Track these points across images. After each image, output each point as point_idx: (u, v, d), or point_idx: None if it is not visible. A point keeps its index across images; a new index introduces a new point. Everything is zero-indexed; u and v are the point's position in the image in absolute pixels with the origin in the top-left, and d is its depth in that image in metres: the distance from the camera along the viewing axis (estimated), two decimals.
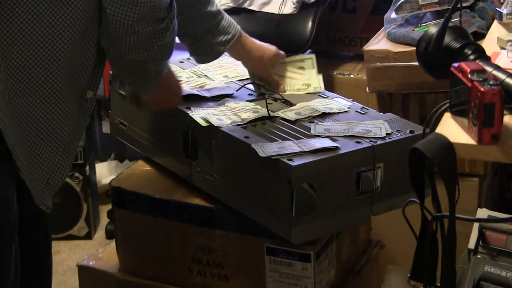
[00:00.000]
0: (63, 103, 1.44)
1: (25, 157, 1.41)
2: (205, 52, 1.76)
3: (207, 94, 1.79)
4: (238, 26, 1.77)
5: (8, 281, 1.46)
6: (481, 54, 1.30)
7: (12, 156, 1.37)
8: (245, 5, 2.28)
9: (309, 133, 1.60)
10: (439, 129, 1.18)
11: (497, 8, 1.71)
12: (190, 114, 1.67)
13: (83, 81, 1.47)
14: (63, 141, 1.47)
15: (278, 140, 1.56)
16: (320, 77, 1.88)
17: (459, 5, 1.48)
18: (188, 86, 1.82)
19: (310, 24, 2.22)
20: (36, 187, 1.46)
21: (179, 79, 1.86)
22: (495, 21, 1.73)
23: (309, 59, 1.91)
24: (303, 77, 1.88)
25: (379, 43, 2.05)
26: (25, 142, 1.42)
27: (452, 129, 1.17)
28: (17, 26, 1.35)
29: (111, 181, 1.85)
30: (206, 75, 1.90)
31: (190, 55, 1.82)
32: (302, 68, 1.89)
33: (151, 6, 1.39)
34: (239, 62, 1.90)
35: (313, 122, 1.65)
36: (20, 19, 1.35)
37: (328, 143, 1.54)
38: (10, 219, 1.44)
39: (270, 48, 1.83)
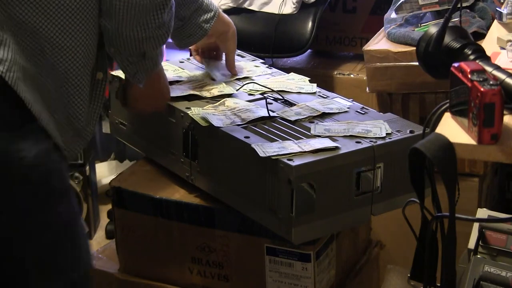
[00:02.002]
0: (76, 85, 1.45)
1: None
2: (192, 32, 1.81)
3: (207, 94, 1.79)
4: (215, 3, 1.84)
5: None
6: (481, 54, 1.30)
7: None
8: (245, 5, 2.29)
9: (309, 133, 1.60)
10: (439, 129, 1.18)
11: (497, 8, 1.71)
12: (190, 114, 1.67)
13: (91, 61, 1.47)
14: (78, 124, 1.48)
15: (278, 140, 1.56)
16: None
17: (459, 5, 1.48)
18: (188, 86, 1.82)
19: (310, 24, 2.22)
20: None
21: (180, 79, 1.86)
22: (495, 21, 1.73)
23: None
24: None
25: (379, 43, 2.05)
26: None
27: (452, 129, 1.17)
28: (24, 9, 1.35)
29: (111, 181, 1.84)
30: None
31: (174, 40, 1.84)
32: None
33: None
34: (237, 63, 1.91)
35: (313, 122, 1.65)
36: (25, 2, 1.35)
37: (328, 143, 1.53)
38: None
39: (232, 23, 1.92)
